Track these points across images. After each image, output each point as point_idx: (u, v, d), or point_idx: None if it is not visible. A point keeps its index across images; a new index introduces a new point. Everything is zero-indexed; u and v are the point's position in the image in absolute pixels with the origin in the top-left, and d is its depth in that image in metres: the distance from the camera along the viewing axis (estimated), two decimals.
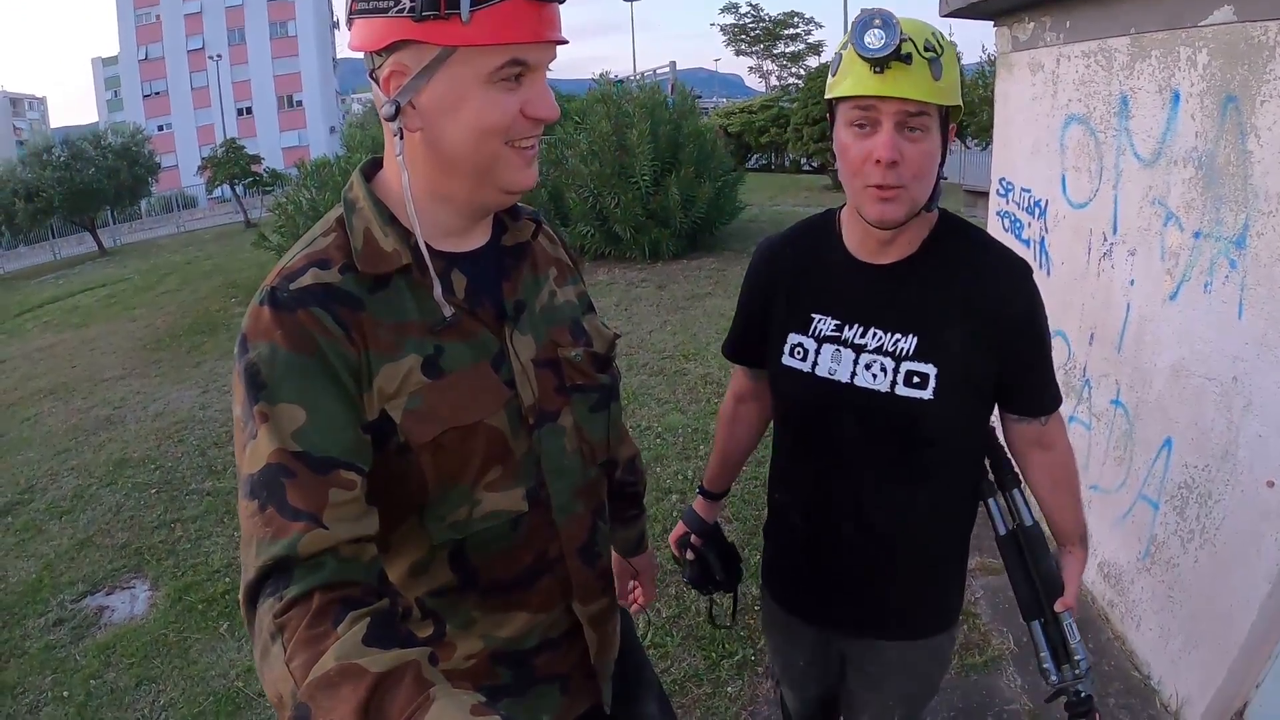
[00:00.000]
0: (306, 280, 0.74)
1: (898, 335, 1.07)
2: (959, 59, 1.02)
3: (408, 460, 0.76)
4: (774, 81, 40.67)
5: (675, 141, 8.05)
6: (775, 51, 41.45)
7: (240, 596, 0.64)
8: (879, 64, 0.94)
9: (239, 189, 17.89)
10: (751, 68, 42.53)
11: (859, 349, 1.09)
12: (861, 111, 0.98)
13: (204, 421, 4.84)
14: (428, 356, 0.78)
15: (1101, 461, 2.33)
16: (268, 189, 18.04)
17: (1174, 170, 1.91)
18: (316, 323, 0.72)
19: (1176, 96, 1.88)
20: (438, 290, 0.78)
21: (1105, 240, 2.28)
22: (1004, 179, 3.12)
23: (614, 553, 1.24)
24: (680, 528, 1.43)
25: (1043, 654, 1.15)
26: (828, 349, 1.11)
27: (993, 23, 3.27)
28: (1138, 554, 2.14)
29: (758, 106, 19.57)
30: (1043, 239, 2.74)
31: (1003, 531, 1.21)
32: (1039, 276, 2.93)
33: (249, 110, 45.53)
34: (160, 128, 41.63)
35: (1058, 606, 1.16)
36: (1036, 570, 1.18)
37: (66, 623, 2.84)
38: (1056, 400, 1.14)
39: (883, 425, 1.09)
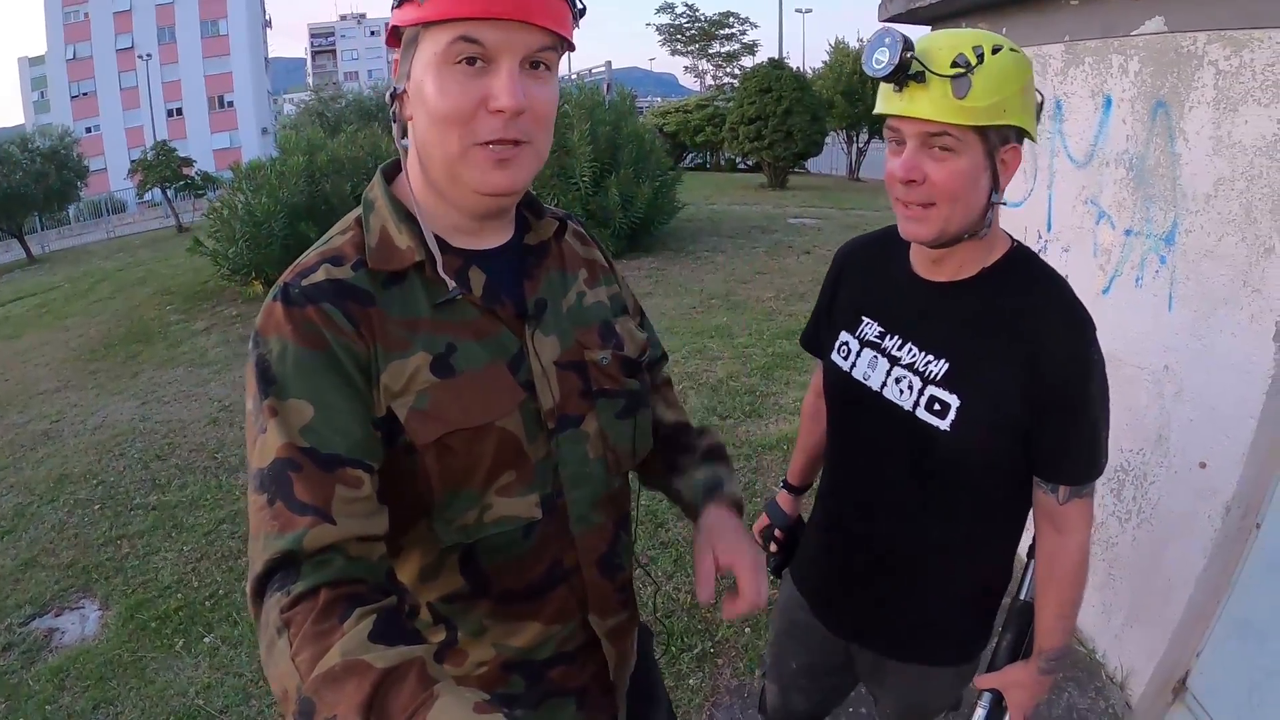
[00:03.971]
0: (319, 276, 0.74)
1: (930, 356, 1.04)
2: (1019, 72, 0.94)
3: (413, 460, 0.75)
4: (709, 81, 41.07)
5: (614, 142, 8.11)
6: (711, 51, 41.82)
7: (248, 589, 0.64)
8: (895, 83, 0.93)
9: (170, 193, 17.20)
10: (687, 67, 42.90)
11: (894, 360, 1.08)
12: (891, 130, 0.98)
13: (145, 434, 4.65)
14: (438, 354, 0.76)
15: None
16: (200, 193, 17.42)
17: (1106, 171, 2.03)
18: (327, 318, 0.71)
19: (1108, 101, 2.00)
20: (440, 265, 0.76)
21: (1040, 238, 2.40)
22: None
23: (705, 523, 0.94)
24: (763, 519, 1.44)
25: None
26: (867, 354, 1.12)
27: (930, 28, 3.40)
28: None
29: (693, 106, 19.76)
30: None
31: (1023, 598, 1.17)
32: None
33: (179, 111, 43.83)
34: (89, 129, 39.66)
35: (977, 682, 1.16)
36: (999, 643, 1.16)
37: (16, 647, 2.71)
38: (1082, 475, 1.02)
39: (901, 442, 1.07)
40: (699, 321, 5.73)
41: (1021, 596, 1.18)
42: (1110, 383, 2.07)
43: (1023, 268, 1.04)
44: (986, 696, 1.14)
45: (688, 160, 19.87)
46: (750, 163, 16.80)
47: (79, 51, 43.52)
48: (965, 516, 1.08)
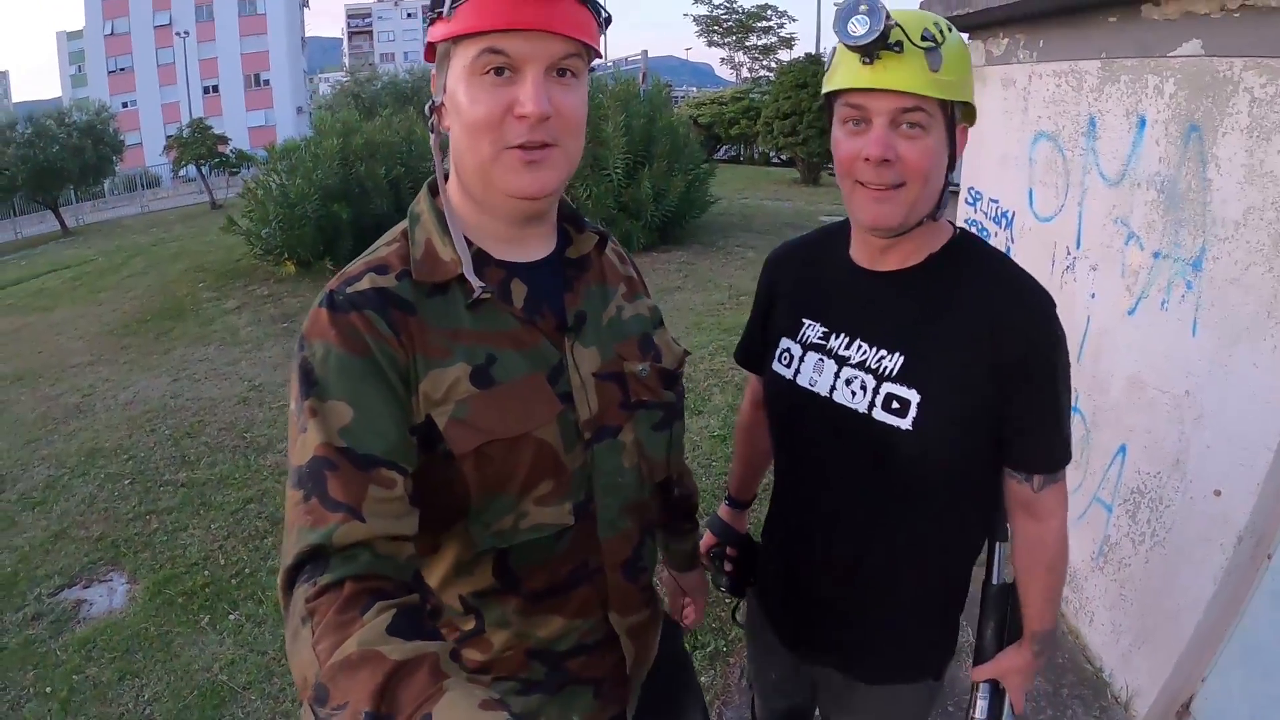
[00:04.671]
0: (363, 285, 0.77)
1: (883, 351, 0.98)
2: (969, 53, 0.93)
3: (452, 467, 0.77)
4: (745, 74, 40.66)
5: (649, 134, 8.08)
6: (747, 44, 41.41)
7: (279, 580, 0.67)
8: (867, 53, 0.87)
9: (205, 169, 17.45)
10: (723, 59, 42.42)
11: (842, 361, 1.01)
12: (852, 108, 0.91)
13: (175, 411, 4.76)
14: (478, 365, 0.79)
15: None
16: (234, 170, 17.63)
17: (1137, 192, 2.01)
18: (369, 325, 0.74)
19: (1142, 122, 1.98)
20: (468, 267, 0.79)
21: (1069, 254, 2.39)
22: (972, 188, 3.22)
23: (667, 569, 1.28)
24: (709, 538, 1.35)
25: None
26: (811, 357, 1.05)
27: (967, 36, 3.37)
28: (1092, 554, 2.26)
29: (729, 98, 19.64)
30: (1008, 248, 2.84)
31: (995, 582, 1.13)
32: None
33: (215, 89, 44.30)
34: (125, 104, 40.21)
35: (973, 675, 1.12)
36: (980, 629, 1.13)
37: (45, 617, 2.80)
38: (1056, 461, 0.99)
39: (857, 448, 1.00)
40: (728, 318, 5.72)
41: (994, 581, 1.12)
42: (1131, 404, 2.08)
43: (970, 250, 1.01)
44: (985, 688, 1.11)
45: (721, 152, 19.79)
46: (784, 158, 16.68)
47: (117, 27, 44.12)
48: (931, 522, 1.03)
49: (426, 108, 0.82)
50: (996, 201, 2.96)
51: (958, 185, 0.98)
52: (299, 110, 41.94)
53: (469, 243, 0.82)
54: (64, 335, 7.12)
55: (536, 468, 0.80)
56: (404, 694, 0.54)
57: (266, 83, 45.29)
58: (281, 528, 2.74)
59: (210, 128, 17.30)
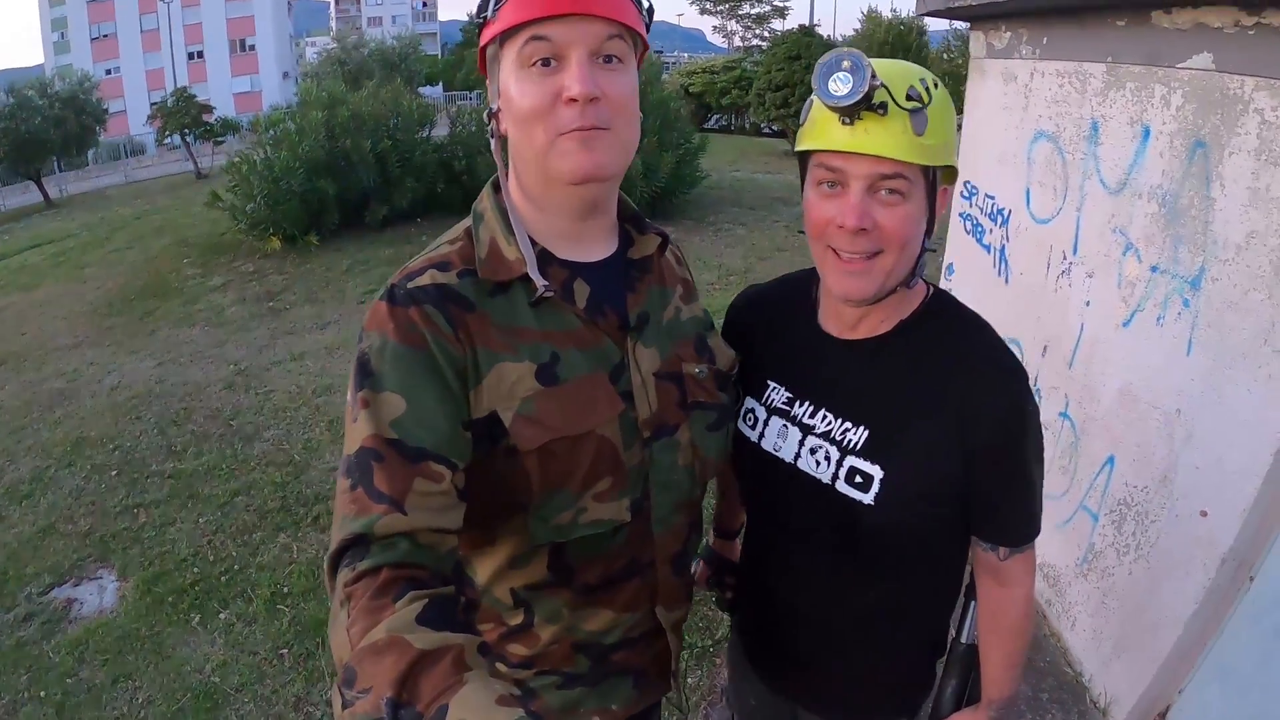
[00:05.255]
0: (424, 280, 0.78)
1: (848, 424, 0.94)
2: (953, 111, 0.88)
3: (515, 462, 0.79)
4: (738, 42, 40.06)
5: (639, 109, 7.93)
6: (740, 12, 40.75)
7: (325, 564, 0.69)
8: (848, 114, 0.81)
9: (189, 138, 17.12)
10: (715, 26, 41.68)
11: (806, 429, 0.97)
12: (828, 170, 0.85)
13: (161, 396, 4.72)
14: (543, 363, 0.80)
15: (1046, 469, 2.44)
16: (219, 139, 17.34)
17: (1137, 203, 1.98)
18: (428, 320, 0.76)
19: (1147, 132, 1.94)
20: (532, 266, 0.81)
21: (1065, 259, 2.37)
22: (969, 182, 3.18)
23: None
24: (704, 569, 1.34)
25: None
26: (776, 422, 1.01)
27: (969, 25, 3.30)
28: (1076, 559, 2.28)
29: (720, 67, 19.44)
30: (1003, 247, 2.82)
31: (963, 641, 1.11)
32: (996, 283, 3.00)
33: (200, 54, 43.08)
34: (108, 71, 39.14)
35: None
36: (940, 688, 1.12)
37: (36, 617, 2.79)
38: (1023, 537, 0.96)
39: (820, 515, 0.98)
40: (716, 299, 5.69)
41: (962, 639, 1.11)
42: (1121, 416, 2.08)
43: (943, 316, 0.96)
44: None
45: (712, 122, 19.57)
46: (775, 128, 16.53)
47: None
48: (896, 586, 1.01)
49: (485, 114, 0.84)
50: (993, 198, 2.93)
51: (934, 248, 0.93)
52: (285, 75, 41.06)
53: (533, 242, 0.83)
54: (48, 315, 7.04)
55: (597, 464, 0.82)
56: (425, 682, 0.55)
57: (252, 48, 44.17)
58: (268, 521, 2.73)
59: (194, 97, 16.96)
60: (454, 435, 0.74)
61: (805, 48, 13.81)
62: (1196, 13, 1.72)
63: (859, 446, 0.93)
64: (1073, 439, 2.31)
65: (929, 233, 0.90)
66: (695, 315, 0.98)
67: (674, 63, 23.63)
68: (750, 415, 1.04)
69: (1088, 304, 2.24)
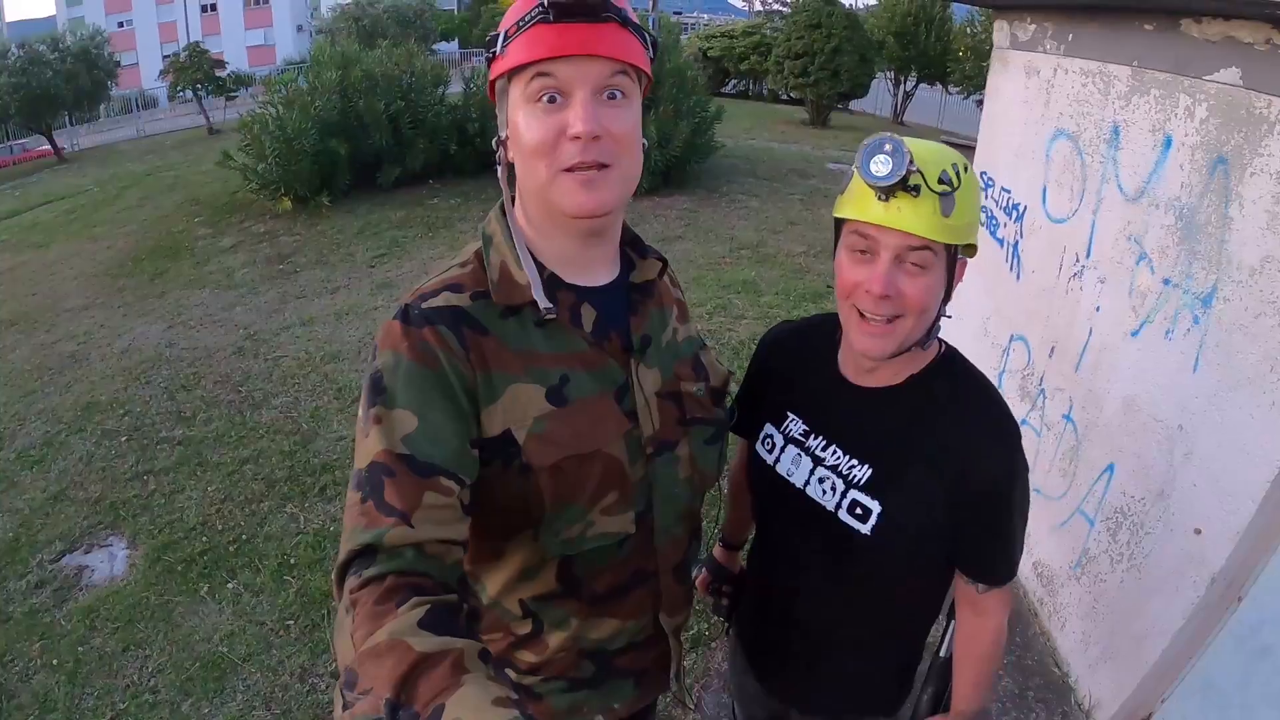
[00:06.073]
0: (438, 301, 0.81)
1: (854, 461, 1.05)
2: (980, 193, 0.98)
3: (528, 479, 0.82)
4: (759, 6, 39.11)
5: (655, 75, 7.77)
6: None
7: (333, 575, 0.71)
8: (884, 192, 0.90)
9: (202, 93, 16.99)
10: None
11: (818, 460, 1.08)
12: (861, 238, 0.95)
13: (171, 360, 4.75)
14: (552, 385, 0.84)
15: (1047, 469, 2.46)
16: (232, 94, 17.21)
17: (1154, 213, 1.95)
18: (441, 340, 0.78)
19: (1169, 141, 1.90)
20: (537, 288, 0.84)
21: (1078, 261, 2.34)
22: (985, 173, 3.13)
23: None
24: (705, 576, 1.43)
25: None
26: (791, 450, 1.12)
27: (993, 11, 3.21)
28: (1070, 562, 2.30)
29: (740, 32, 19.17)
30: (1017, 243, 2.78)
31: (942, 654, 1.23)
32: (1007, 278, 2.97)
33: (213, 7, 42.31)
34: (121, 24, 38.64)
35: None
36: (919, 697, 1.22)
37: (48, 585, 2.84)
38: (999, 578, 1.06)
39: (822, 539, 1.08)
40: (727, 273, 5.67)
41: (941, 653, 1.23)
42: (1123, 425, 2.07)
43: (950, 374, 1.06)
44: None
45: (729, 86, 19.28)
46: (793, 96, 16.28)
47: None
48: (883, 606, 1.12)
49: (494, 142, 0.87)
50: (1009, 192, 2.88)
51: (949, 315, 1.02)
52: (299, 29, 40.36)
53: (541, 267, 0.86)
54: (59, 275, 7.06)
55: (605, 480, 0.86)
56: (423, 684, 0.56)
57: (266, 1, 43.47)
58: (276, 491, 2.77)
59: (207, 51, 16.84)
60: (463, 452, 0.77)
61: (826, 16, 13.52)
62: (1227, 25, 1.67)
63: (862, 482, 1.03)
64: (1074, 443, 2.31)
65: (946, 299, 0.98)
66: (690, 335, 1.03)
67: (694, 25, 23.14)
68: (769, 440, 1.15)
69: (1098, 309, 2.21)
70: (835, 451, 1.07)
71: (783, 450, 1.13)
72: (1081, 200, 2.33)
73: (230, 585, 2.77)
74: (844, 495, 1.04)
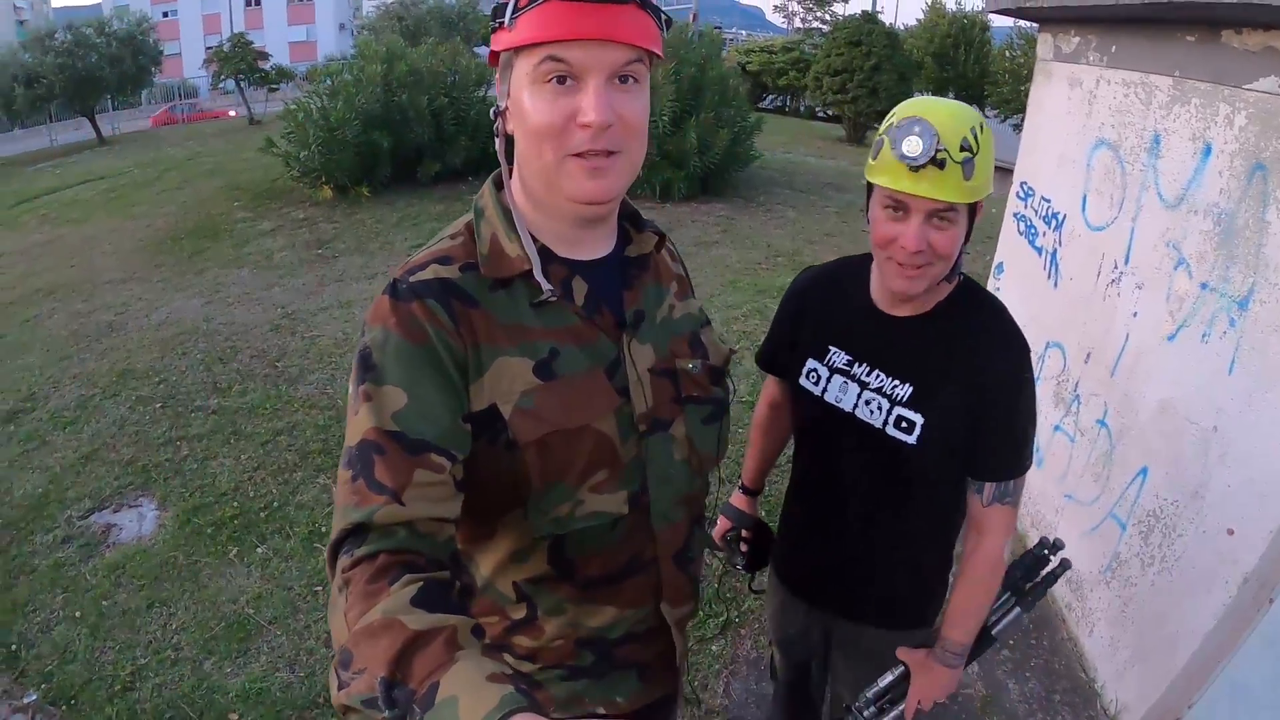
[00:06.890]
0: (427, 274, 0.80)
1: (896, 381, 1.19)
2: (993, 147, 1.09)
3: (514, 455, 0.81)
4: (798, 23, 39.29)
5: (698, 84, 7.94)
6: None
7: (326, 554, 0.71)
8: (914, 167, 1.02)
9: (243, 84, 17.33)
10: (776, 5, 40.74)
11: (863, 385, 1.21)
12: (894, 200, 1.07)
13: (208, 334, 4.81)
14: (541, 359, 0.82)
15: (1080, 474, 2.46)
16: (274, 86, 17.52)
17: (1193, 219, 1.96)
18: (430, 314, 0.77)
19: (1208, 149, 1.92)
20: (537, 269, 0.82)
21: (1116, 267, 2.35)
22: (1025, 183, 3.14)
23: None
24: (724, 523, 1.52)
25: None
26: (837, 379, 1.24)
27: (1038, 26, 3.23)
28: (1100, 567, 2.29)
29: (779, 47, 19.31)
30: (1055, 250, 2.79)
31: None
32: (1045, 285, 2.99)
33: (257, 1, 43.41)
34: (165, 14, 39.59)
35: (898, 652, 1.29)
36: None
37: (75, 540, 2.86)
38: (1004, 471, 1.17)
39: (872, 455, 1.21)
40: (763, 279, 5.66)
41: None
42: (1158, 428, 2.07)
43: (970, 301, 1.20)
44: (900, 667, 1.29)
45: (767, 101, 19.41)
46: (829, 113, 16.34)
47: None
48: (926, 511, 1.26)
49: (492, 112, 0.84)
50: (1049, 201, 2.89)
51: (969, 252, 1.17)
52: (341, 27, 41.11)
53: (531, 240, 0.84)
54: (96, 250, 7.16)
55: (594, 458, 0.84)
56: (418, 662, 0.56)
57: None
58: (309, 462, 2.79)
59: (251, 43, 17.16)
60: (454, 427, 0.76)
61: (867, 34, 13.59)
62: (1267, 35, 1.69)
63: (905, 399, 1.17)
64: (1108, 447, 2.31)
65: (966, 239, 1.12)
66: (689, 312, 1.00)
67: (731, 40, 23.31)
68: (813, 374, 1.27)
69: (1135, 315, 2.22)
70: (878, 375, 1.20)
71: (829, 380, 1.25)
72: (1121, 208, 2.34)
73: (260, 550, 2.80)
74: (889, 413, 1.18)
